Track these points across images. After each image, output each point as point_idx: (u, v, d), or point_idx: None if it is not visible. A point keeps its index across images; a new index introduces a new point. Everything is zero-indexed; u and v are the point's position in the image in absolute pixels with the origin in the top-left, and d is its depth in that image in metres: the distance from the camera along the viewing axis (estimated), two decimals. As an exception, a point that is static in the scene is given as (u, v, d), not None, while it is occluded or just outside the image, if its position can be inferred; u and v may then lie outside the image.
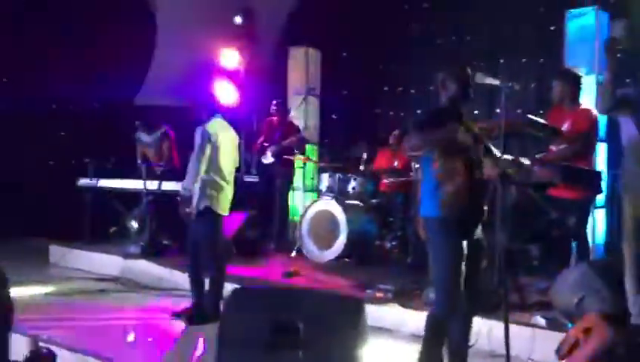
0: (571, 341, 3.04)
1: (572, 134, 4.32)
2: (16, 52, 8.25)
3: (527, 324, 3.95)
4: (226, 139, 4.76)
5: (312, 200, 6.66)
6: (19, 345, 3.52)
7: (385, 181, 6.65)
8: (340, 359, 2.69)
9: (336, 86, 8.45)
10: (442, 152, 3.01)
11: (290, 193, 7.47)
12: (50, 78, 8.39)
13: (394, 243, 6.44)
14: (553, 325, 3.83)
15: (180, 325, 4.59)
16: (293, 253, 6.35)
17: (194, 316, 4.63)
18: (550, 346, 3.34)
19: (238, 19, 8.75)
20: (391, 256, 6.42)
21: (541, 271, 5.22)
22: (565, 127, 4.35)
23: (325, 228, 6.13)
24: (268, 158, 7.08)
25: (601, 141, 5.82)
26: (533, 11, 7.24)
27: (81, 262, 6.71)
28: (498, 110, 7.40)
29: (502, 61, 7.51)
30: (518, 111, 6.13)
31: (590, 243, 4.92)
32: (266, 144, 7.20)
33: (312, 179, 7.84)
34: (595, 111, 4.40)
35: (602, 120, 5.86)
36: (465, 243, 3.07)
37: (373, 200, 6.48)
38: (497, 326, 3.58)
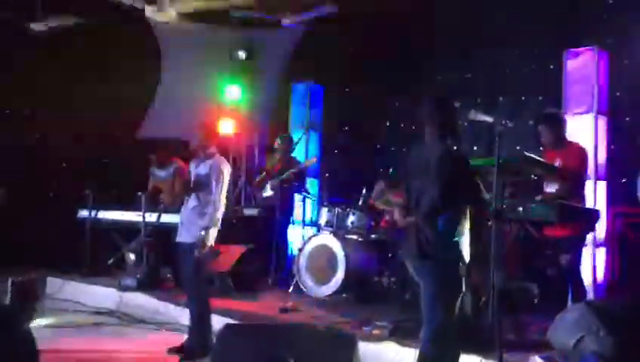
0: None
1: (564, 171, 4.35)
2: (16, 84, 8.36)
3: (524, 365, 3.89)
4: (228, 175, 4.78)
5: (311, 235, 6.63)
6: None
7: (386, 218, 6.62)
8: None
9: (337, 121, 8.51)
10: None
11: (290, 227, 7.45)
12: (52, 108, 8.49)
13: (392, 279, 6.38)
14: (551, 366, 3.77)
15: (174, 361, 4.53)
16: (291, 288, 6.29)
17: (187, 352, 4.58)
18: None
19: (241, 55, 8.87)
20: (389, 293, 6.36)
21: (542, 309, 5.16)
22: (557, 164, 4.38)
23: (323, 263, 6.09)
24: (267, 191, 7.09)
25: (601, 180, 5.81)
26: (533, 49, 7.31)
27: (78, 294, 6.67)
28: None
29: (501, 99, 7.57)
30: (517, 148, 6.14)
31: (590, 282, 4.88)
32: (266, 178, 7.23)
33: (311, 212, 7.82)
34: (584, 147, 4.46)
35: (601, 158, 5.89)
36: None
37: (373, 236, 6.44)
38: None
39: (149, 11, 7.77)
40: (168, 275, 6.73)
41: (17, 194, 8.44)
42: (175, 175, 6.61)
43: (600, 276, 5.80)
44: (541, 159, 4.09)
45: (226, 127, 8.50)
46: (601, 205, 5.69)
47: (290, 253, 7.44)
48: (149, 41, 8.72)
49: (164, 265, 6.70)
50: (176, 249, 4.89)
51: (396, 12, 7.53)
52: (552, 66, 6.98)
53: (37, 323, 5.54)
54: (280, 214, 7.01)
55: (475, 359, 3.87)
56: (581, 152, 4.52)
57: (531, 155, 3.76)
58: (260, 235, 7.17)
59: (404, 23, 8.03)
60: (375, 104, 8.48)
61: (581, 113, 5.81)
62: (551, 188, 4.41)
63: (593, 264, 5.59)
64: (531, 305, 5.37)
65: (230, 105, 8.77)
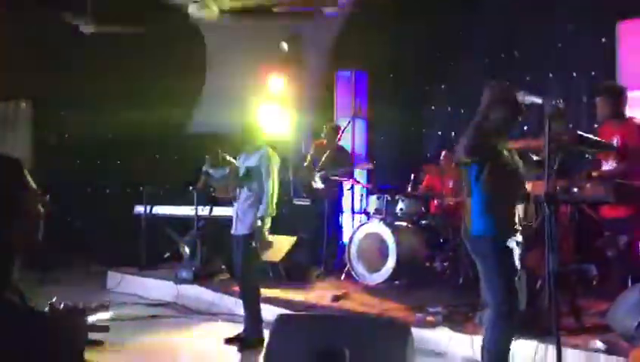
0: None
1: (623, 149, 4.17)
2: (71, 83, 8.61)
3: (585, 348, 3.80)
4: (277, 166, 4.82)
5: (361, 223, 6.63)
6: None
7: (435, 202, 6.57)
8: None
9: (383, 108, 8.43)
10: (492, 172, 3.03)
11: (340, 216, 7.46)
12: (105, 107, 8.72)
13: (445, 264, 6.33)
14: (612, 349, 3.67)
15: (232, 351, 4.62)
16: (343, 276, 6.32)
17: (244, 341, 4.66)
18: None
19: (284, 46, 8.88)
20: (442, 278, 6.31)
21: (600, 292, 5.01)
22: (614, 142, 4.20)
23: (374, 250, 6.07)
24: (317, 183, 7.10)
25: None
26: (584, 24, 7.07)
27: (136, 287, 6.87)
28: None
29: (551, 76, 7.35)
30: (570, 127, 5.96)
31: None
32: (314, 167, 7.23)
33: (360, 201, 7.80)
34: None
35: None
36: None
37: (423, 222, 6.40)
38: (552, 350, 3.45)
39: (192, 8, 7.86)
40: (222, 267, 6.84)
41: (74, 192, 8.76)
42: (229, 176, 6.73)
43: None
44: (596, 138, 3.95)
45: (273, 118, 8.55)
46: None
47: (341, 241, 7.45)
48: (196, 37, 8.84)
49: (218, 257, 6.82)
50: (231, 241, 4.96)
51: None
52: (603, 40, 6.74)
53: (99, 317, 5.74)
54: (329, 203, 7.04)
55: (532, 344, 3.80)
56: None
57: (586, 135, 3.64)
58: (310, 225, 7.23)
59: (446, 4, 7.90)
60: (420, 89, 8.38)
61: (638, 89, 5.57)
62: (608, 166, 4.25)
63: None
64: (589, 287, 5.22)
65: (276, 96, 8.81)
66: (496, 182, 3.10)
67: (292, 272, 6.49)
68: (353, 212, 7.50)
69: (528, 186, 3.48)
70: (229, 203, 5.51)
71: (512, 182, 3.22)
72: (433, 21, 8.17)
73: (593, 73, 7.00)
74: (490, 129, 3.09)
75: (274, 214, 4.76)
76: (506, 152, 2.98)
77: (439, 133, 8.33)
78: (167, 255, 7.44)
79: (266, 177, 4.67)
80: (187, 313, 5.95)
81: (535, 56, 7.46)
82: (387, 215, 6.31)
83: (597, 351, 3.75)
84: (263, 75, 8.67)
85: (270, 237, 6.62)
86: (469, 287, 5.68)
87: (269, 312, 5.25)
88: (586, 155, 4.20)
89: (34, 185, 1.62)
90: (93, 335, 2.00)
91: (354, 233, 6.31)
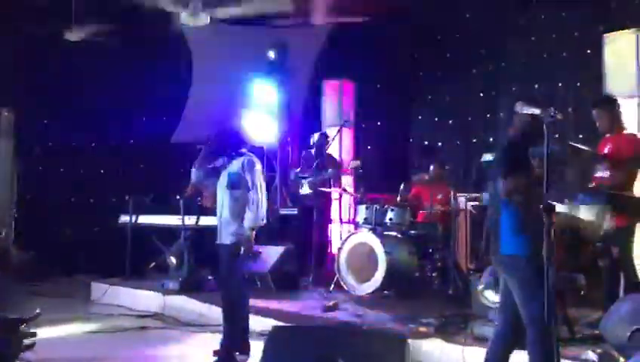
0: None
1: (615, 159, 4.21)
2: (54, 92, 8.52)
3: (578, 359, 3.80)
4: (260, 174, 4.70)
5: (350, 233, 6.61)
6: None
7: (422, 212, 6.58)
8: (384, 400, 2.63)
9: (370, 117, 8.46)
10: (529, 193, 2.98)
11: (328, 225, 7.44)
12: (90, 116, 8.63)
13: (434, 274, 6.33)
14: (604, 360, 3.68)
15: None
16: (332, 287, 6.28)
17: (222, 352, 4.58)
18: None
19: (271, 54, 8.87)
20: (431, 288, 6.31)
21: (588, 301, 5.04)
22: (607, 150, 4.24)
23: (364, 260, 6.05)
24: (305, 189, 7.09)
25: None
26: (569, 35, 7.16)
27: (122, 298, 6.77)
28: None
29: (536, 86, 7.44)
30: (555, 137, 6.01)
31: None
32: (302, 175, 7.22)
33: (349, 210, 7.79)
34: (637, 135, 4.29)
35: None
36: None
37: (412, 231, 6.40)
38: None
39: (184, 16, 7.82)
40: (209, 277, 6.77)
41: (58, 202, 8.65)
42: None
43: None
44: (586, 148, 3.98)
45: (260, 126, 8.52)
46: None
47: (329, 251, 7.43)
48: (181, 44, 8.79)
49: (205, 267, 6.75)
50: (217, 251, 4.84)
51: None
52: (589, 51, 6.83)
53: (84, 329, 5.65)
54: (317, 213, 7.02)
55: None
56: (637, 141, 4.34)
57: (577, 145, 3.66)
58: (298, 235, 7.20)
59: (430, 15, 7.96)
60: (407, 99, 8.42)
61: (624, 98, 5.63)
62: (602, 173, 4.26)
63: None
64: (577, 296, 5.24)
65: (263, 104, 8.78)
66: (530, 200, 3.00)
67: (280, 283, 6.44)
68: (341, 221, 7.48)
69: None
70: (215, 212, 5.43)
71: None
72: (419, 31, 8.23)
73: (578, 84, 7.10)
74: (526, 160, 3.01)
75: (263, 223, 4.64)
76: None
77: (426, 142, 8.37)
78: (152, 265, 7.35)
79: (252, 185, 4.51)
80: (175, 324, 5.86)
81: (521, 66, 7.55)
82: (376, 224, 6.30)
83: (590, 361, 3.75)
84: (250, 83, 8.64)
85: (258, 248, 6.61)
86: (459, 298, 5.70)
87: (259, 323, 5.20)
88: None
89: None
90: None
91: (343, 243, 6.28)
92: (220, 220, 4.66)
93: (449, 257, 6.19)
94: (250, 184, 4.51)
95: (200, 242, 6.61)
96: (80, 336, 5.42)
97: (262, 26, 8.84)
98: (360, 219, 6.53)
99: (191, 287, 6.44)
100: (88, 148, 8.94)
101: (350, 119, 8.46)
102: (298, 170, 7.39)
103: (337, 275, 6.22)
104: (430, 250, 6.40)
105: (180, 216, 6.63)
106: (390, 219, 6.31)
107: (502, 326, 3.36)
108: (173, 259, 6.86)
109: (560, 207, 3.58)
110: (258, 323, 5.23)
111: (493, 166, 3.35)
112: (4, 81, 8.23)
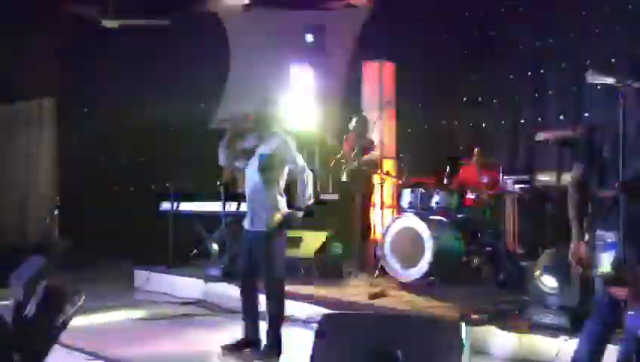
0: None
1: None
2: (94, 80, 8.54)
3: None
4: (297, 153, 4.43)
5: (394, 217, 6.43)
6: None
7: (470, 196, 6.35)
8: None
9: (412, 98, 8.21)
10: None
11: (370, 210, 7.26)
12: (129, 103, 8.62)
13: (483, 259, 6.11)
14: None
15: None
16: (377, 273, 6.12)
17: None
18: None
19: (309, 37, 8.70)
20: (479, 274, 6.10)
21: None
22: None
23: (409, 245, 5.86)
24: (345, 175, 6.93)
25: None
26: (622, 9, 6.79)
27: (164, 285, 6.76)
28: (586, 114, 7.03)
29: (588, 62, 7.08)
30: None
31: None
32: (342, 161, 7.05)
33: (392, 195, 7.60)
34: None
35: None
36: None
37: (459, 215, 6.18)
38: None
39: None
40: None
41: (99, 191, 8.69)
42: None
43: None
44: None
45: (298, 111, 8.38)
46: None
47: (372, 237, 7.25)
48: (218, 30, 8.70)
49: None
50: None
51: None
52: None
53: (128, 316, 5.64)
54: (360, 198, 6.85)
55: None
56: None
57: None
58: (340, 221, 7.04)
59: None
60: (451, 79, 8.13)
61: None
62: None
63: None
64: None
65: (300, 88, 8.64)
66: None
67: (324, 269, 6.32)
68: (384, 206, 7.29)
69: None
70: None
71: None
72: (462, 9, 7.93)
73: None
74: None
75: (311, 203, 4.33)
76: None
77: (470, 124, 8.08)
78: (194, 252, 7.32)
79: (293, 163, 4.25)
80: (217, 311, 5.81)
81: (572, 42, 7.20)
82: (421, 209, 6.11)
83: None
84: (288, 65, 8.50)
85: (300, 233, 6.50)
86: (511, 284, 5.49)
87: (304, 311, 5.11)
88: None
89: None
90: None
91: (387, 228, 6.10)
92: (253, 205, 4.33)
93: (499, 242, 5.96)
94: (290, 162, 4.27)
95: (242, 228, 6.52)
96: (124, 324, 5.42)
97: (298, 10, 8.66)
98: (404, 203, 6.34)
99: (233, 274, 6.36)
100: (128, 135, 8.93)
101: (392, 101, 8.23)
102: (339, 155, 7.21)
103: (382, 261, 6.06)
104: (478, 235, 6.18)
105: (221, 203, 6.56)
106: (436, 203, 6.10)
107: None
108: (215, 246, 6.81)
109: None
110: (303, 311, 5.14)
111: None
112: (45, 71, 8.29)
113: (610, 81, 2.49)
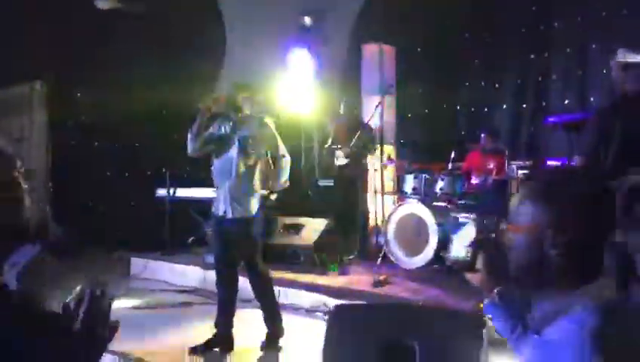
0: None
1: None
2: (87, 63, 8.32)
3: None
4: (276, 135, 4.34)
5: (398, 204, 6.30)
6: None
7: (474, 181, 6.23)
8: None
9: (412, 83, 8.05)
10: None
11: (368, 196, 7.11)
12: (123, 87, 8.41)
13: (487, 246, 6.00)
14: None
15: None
16: (379, 260, 6.00)
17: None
18: None
19: (307, 21, 8.52)
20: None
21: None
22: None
23: (413, 232, 5.75)
24: (340, 160, 6.75)
25: None
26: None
27: (162, 273, 6.62)
28: (592, 98, 6.90)
29: (594, 46, 6.97)
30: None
31: None
32: (335, 146, 6.86)
33: (392, 180, 7.46)
34: None
35: None
36: None
37: (463, 202, 6.06)
38: None
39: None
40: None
41: (93, 176, 8.49)
42: None
43: None
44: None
45: (295, 96, 8.22)
46: None
47: (373, 223, 7.12)
48: (214, 13, 8.50)
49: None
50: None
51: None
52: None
53: (126, 304, 5.50)
54: (358, 184, 6.71)
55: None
56: None
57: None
58: (338, 207, 6.90)
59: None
60: (452, 64, 7.98)
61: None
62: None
63: None
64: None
65: (298, 72, 8.47)
66: None
67: (325, 256, 6.20)
68: (384, 192, 7.14)
69: None
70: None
71: None
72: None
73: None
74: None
75: (284, 186, 4.26)
76: None
77: (472, 109, 7.96)
78: (192, 239, 7.18)
79: (275, 147, 4.15)
80: (216, 299, 5.65)
81: (576, 25, 7.07)
82: (425, 195, 5.98)
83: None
84: (285, 49, 8.33)
85: (301, 220, 6.36)
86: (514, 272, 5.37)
87: (307, 299, 5.00)
88: None
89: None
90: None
91: (391, 214, 5.98)
92: (231, 192, 4.09)
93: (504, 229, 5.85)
94: (270, 146, 4.15)
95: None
96: (122, 312, 5.27)
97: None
98: (407, 189, 6.21)
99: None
100: (122, 120, 8.73)
101: (391, 86, 8.07)
102: (330, 140, 7.03)
103: (385, 248, 5.94)
104: (484, 221, 6.06)
105: (217, 188, 6.40)
106: (441, 189, 5.98)
107: None
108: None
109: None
110: (306, 299, 5.03)
111: None
112: (37, 54, 8.05)
113: (640, 59, 2.35)
